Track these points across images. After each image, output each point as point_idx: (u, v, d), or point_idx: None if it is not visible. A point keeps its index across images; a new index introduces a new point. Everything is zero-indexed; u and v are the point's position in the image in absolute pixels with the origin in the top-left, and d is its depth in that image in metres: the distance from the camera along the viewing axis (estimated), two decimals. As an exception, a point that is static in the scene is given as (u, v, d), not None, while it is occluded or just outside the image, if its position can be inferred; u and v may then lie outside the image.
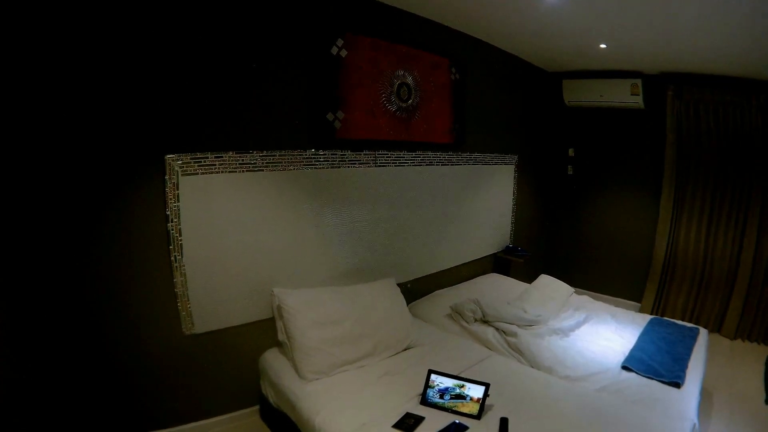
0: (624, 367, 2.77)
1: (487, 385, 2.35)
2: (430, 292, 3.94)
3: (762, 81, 3.61)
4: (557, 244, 5.35)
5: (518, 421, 2.29)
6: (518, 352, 3.05)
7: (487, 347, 3.16)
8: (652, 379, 2.62)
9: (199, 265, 2.45)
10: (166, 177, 2.24)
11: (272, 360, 2.84)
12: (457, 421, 2.32)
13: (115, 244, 2.20)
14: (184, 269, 2.39)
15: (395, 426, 2.25)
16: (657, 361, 2.76)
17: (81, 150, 2.09)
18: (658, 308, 4.30)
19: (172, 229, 2.31)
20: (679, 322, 3.42)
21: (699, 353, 2.90)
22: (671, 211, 4.33)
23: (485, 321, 3.36)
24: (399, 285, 3.35)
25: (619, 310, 3.65)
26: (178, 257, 2.37)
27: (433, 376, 2.47)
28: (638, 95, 4.39)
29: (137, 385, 2.41)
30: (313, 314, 2.73)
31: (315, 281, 3.03)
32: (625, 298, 4.56)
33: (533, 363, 2.92)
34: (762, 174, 3.74)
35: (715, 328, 4.04)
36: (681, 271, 4.28)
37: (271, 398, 2.76)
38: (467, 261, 4.39)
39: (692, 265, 4.21)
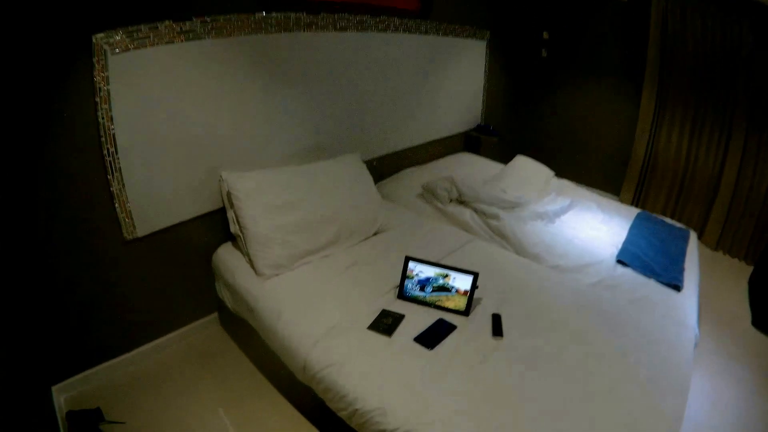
0: (619, 261, 2.47)
1: (475, 275, 1.94)
2: (398, 172, 3.41)
3: (757, 2, 3.08)
4: (530, 129, 4.89)
5: (510, 317, 1.95)
6: (502, 236, 2.67)
7: (466, 231, 2.75)
8: (650, 278, 2.35)
9: (136, 157, 1.96)
10: (94, 59, 1.73)
11: (226, 257, 2.31)
12: (441, 318, 1.91)
13: (42, 144, 1.72)
14: (119, 163, 1.90)
15: (371, 327, 1.83)
16: (652, 259, 2.50)
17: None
18: (636, 206, 4.06)
19: (102, 117, 1.80)
20: (668, 219, 3.15)
21: (692, 257, 2.67)
22: (652, 112, 3.95)
23: (461, 202, 2.93)
24: (364, 163, 2.80)
25: (604, 200, 3.34)
26: (110, 150, 1.86)
27: (411, 264, 2.01)
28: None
29: (77, 310, 2.02)
30: (268, 198, 2.19)
31: (270, 162, 2.46)
32: (602, 191, 4.28)
33: (519, 249, 2.57)
34: (748, 92, 3.34)
35: (696, 236, 3.87)
36: (661, 172, 4.00)
37: (228, 302, 2.28)
38: (436, 138, 3.88)
39: (673, 168, 3.92)
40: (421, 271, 2.02)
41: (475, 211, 2.86)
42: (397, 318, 1.88)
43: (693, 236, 2.90)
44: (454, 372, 1.66)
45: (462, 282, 1.97)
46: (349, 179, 2.55)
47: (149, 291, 2.22)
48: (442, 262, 2.20)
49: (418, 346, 1.76)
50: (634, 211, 3.15)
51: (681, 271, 2.44)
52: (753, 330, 2.79)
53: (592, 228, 2.84)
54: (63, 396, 2.02)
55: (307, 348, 1.76)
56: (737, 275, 3.37)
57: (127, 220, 2.00)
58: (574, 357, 1.77)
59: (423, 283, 2.01)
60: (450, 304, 1.98)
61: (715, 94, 3.54)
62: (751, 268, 3.33)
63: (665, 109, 3.87)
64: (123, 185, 1.93)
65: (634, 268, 2.41)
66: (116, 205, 1.95)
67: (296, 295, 2.01)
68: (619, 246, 2.63)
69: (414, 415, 1.49)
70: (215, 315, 2.55)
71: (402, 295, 2.04)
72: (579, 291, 2.20)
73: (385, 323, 1.84)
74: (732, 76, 3.41)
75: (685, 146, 3.81)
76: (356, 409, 1.56)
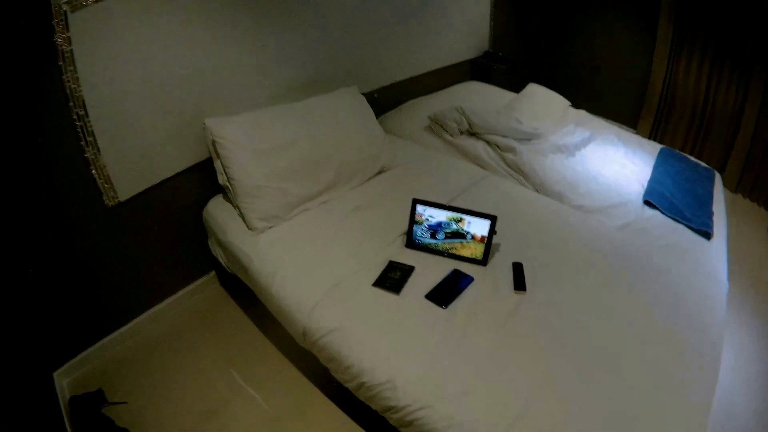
0: (646, 203, 2.23)
1: (493, 219, 1.69)
2: (401, 104, 3.06)
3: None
4: (542, 58, 4.45)
5: (533, 266, 1.73)
6: (519, 172, 2.40)
7: (480, 165, 2.47)
8: (679, 222, 2.12)
9: (109, 117, 1.69)
10: (54, 21, 1.45)
11: (216, 212, 2.02)
12: (457, 269, 1.67)
13: (9, 119, 1.46)
14: (91, 127, 1.64)
15: (377, 284, 1.60)
16: (680, 201, 2.25)
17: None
18: (654, 140, 3.74)
19: (69, 81, 1.54)
20: (692, 158, 2.86)
21: (719, 201, 2.42)
22: (669, 42, 3.54)
23: (473, 133, 2.62)
24: (364, 96, 2.44)
25: (624, 132, 3.03)
26: (80, 113, 1.59)
27: (419, 208, 1.75)
28: None
29: (67, 288, 1.80)
30: (256, 143, 1.88)
31: (258, 103, 2.11)
32: (618, 122, 3.94)
33: (539, 186, 2.31)
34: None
35: (720, 178, 3.58)
36: (680, 106, 3.65)
37: (223, 261, 2.03)
38: (441, 67, 3.48)
39: (692, 103, 3.56)
40: (431, 215, 1.76)
41: (488, 143, 2.56)
42: (406, 271, 1.65)
43: (718, 178, 2.63)
44: (472, 335, 1.45)
45: (478, 227, 1.71)
46: (348, 114, 2.21)
47: (140, 257, 1.99)
48: (455, 203, 1.95)
49: (430, 305, 1.54)
50: (657, 146, 2.85)
51: (710, 216, 2.21)
52: None
53: (615, 163, 2.56)
54: (65, 380, 1.87)
55: (306, 312, 1.54)
56: (758, 221, 3.15)
57: (106, 185, 1.74)
58: (603, 312, 1.57)
59: (434, 229, 1.76)
60: (465, 252, 1.74)
61: (735, 28, 3.13)
62: None
63: (684, 41, 3.46)
64: (98, 150, 1.67)
65: (663, 210, 2.17)
66: (93, 171, 1.69)
67: (293, 250, 1.76)
68: (645, 184, 2.37)
69: (428, 390, 1.29)
70: (213, 274, 2.33)
71: (411, 243, 1.79)
72: (606, 235, 1.96)
73: (393, 278, 1.60)
74: (754, 9, 2.98)
75: (704, 81, 3.44)
76: (363, 383, 1.36)
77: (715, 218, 2.20)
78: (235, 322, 2.13)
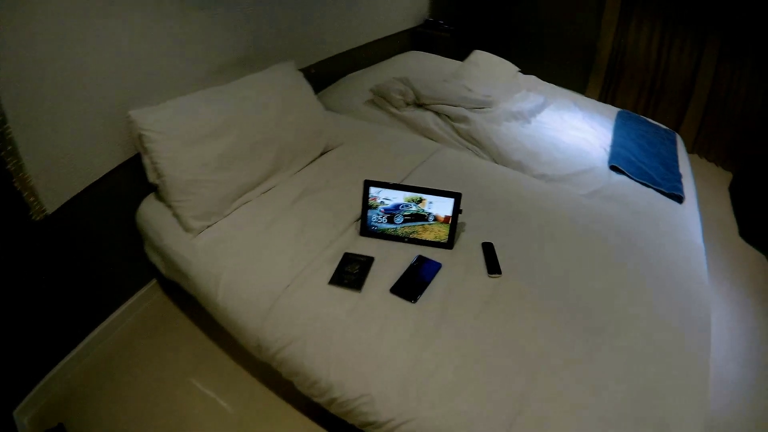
0: (612, 167, 2.11)
1: (457, 197, 1.48)
2: (340, 78, 2.80)
3: None
4: (484, 24, 4.29)
5: (504, 245, 1.55)
6: (474, 142, 2.22)
7: (430, 138, 2.27)
8: (649, 186, 2.03)
9: (29, 116, 1.33)
10: None
11: (149, 214, 1.70)
12: (421, 255, 1.46)
13: None
14: (11, 133, 1.29)
15: (334, 282, 1.36)
16: (647, 165, 2.16)
17: None
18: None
19: None
20: (651, 120, 2.78)
21: (685, 163, 2.35)
22: (619, 7, 3.48)
23: (419, 105, 2.41)
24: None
25: (578, 96, 2.92)
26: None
27: (373, 191, 1.52)
28: None
29: (8, 320, 1.46)
30: (186, 131, 1.58)
31: (188, 88, 1.77)
32: (567, 88, 3.84)
33: (498, 157, 2.13)
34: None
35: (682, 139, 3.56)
36: (630, 70, 3.59)
37: (161, 268, 1.72)
38: (380, 38, 3.24)
39: (643, 67, 3.51)
40: (387, 197, 1.53)
41: (438, 114, 2.36)
42: (365, 263, 1.41)
43: (679, 140, 2.57)
44: (448, 329, 1.25)
45: (441, 206, 1.50)
46: (284, 91, 1.92)
47: (77, 272, 1.65)
48: (409, 181, 1.76)
49: (397, 300, 1.32)
50: (614, 110, 2.76)
51: (679, 179, 2.13)
52: (741, 240, 2.58)
53: (574, 128, 2.44)
54: (26, 418, 1.56)
55: (258, 322, 1.30)
56: (716, 180, 3.15)
57: (31, 199, 1.39)
58: (584, 287, 1.42)
59: (391, 213, 1.53)
60: (429, 236, 1.53)
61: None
62: (728, 174, 3.12)
63: (634, 3, 3.39)
64: (20, 159, 1.32)
65: (631, 174, 2.06)
66: (16, 184, 1.34)
67: (235, 250, 1.49)
68: (608, 149, 2.26)
69: (410, 397, 1.10)
70: (155, 282, 2.00)
71: (366, 230, 1.56)
72: (576, 205, 1.82)
73: (351, 273, 1.37)
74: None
75: (655, 45, 3.40)
76: (334, 398, 1.15)
77: (683, 181, 2.12)
78: (184, 329, 1.85)
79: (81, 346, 1.72)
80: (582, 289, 1.41)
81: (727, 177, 3.15)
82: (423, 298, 1.32)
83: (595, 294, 1.40)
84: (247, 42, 2.08)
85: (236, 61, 2.04)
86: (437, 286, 1.37)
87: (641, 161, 2.16)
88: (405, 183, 1.78)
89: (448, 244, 1.52)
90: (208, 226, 1.59)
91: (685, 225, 1.88)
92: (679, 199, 2.00)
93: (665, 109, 3.48)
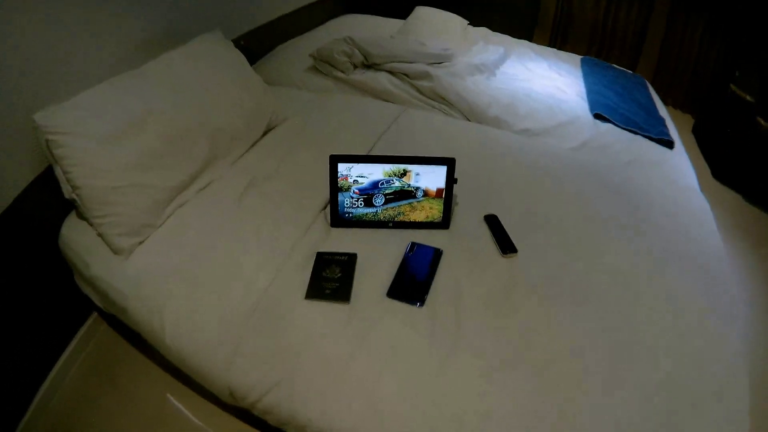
0: (597, 116, 1.91)
1: (450, 163, 1.19)
2: (273, 49, 2.39)
3: None
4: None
5: (506, 215, 1.29)
6: (441, 100, 1.93)
7: (388, 101, 1.96)
8: (636, 133, 1.83)
9: None
10: None
11: (71, 237, 1.28)
12: (414, 242, 1.16)
13: None
14: None
15: (312, 296, 1.04)
16: (629, 111, 1.97)
17: None
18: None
19: None
20: (616, 66, 2.59)
21: (660, 106, 2.19)
22: None
23: (369, 66, 2.08)
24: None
25: (537, 46, 2.68)
26: None
27: (342, 168, 1.19)
28: None
29: None
30: (97, 129, 1.18)
31: (101, 76, 1.31)
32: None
33: (470, 114, 1.86)
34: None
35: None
36: (578, 22, 3.38)
37: (97, 301, 1.30)
38: (311, 2, 2.82)
39: (592, 19, 3.31)
40: (360, 174, 1.20)
41: (393, 74, 2.03)
42: (347, 262, 1.09)
43: (649, 84, 2.41)
44: (470, 330, 0.97)
45: (430, 177, 1.20)
46: (213, 65, 1.50)
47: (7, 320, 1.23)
48: (376, 152, 1.44)
49: (398, 305, 1.01)
50: (576, 57, 2.55)
51: (663, 123, 1.96)
52: (716, 183, 2.49)
53: (542, 78, 2.20)
54: None
55: (222, 366, 0.96)
56: (678, 124, 3.05)
57: None
58: (607, 254, 1.20)
59: (369, 193, 1.21)
60: (418, 216, 1.23)
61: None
62: (688, 117, 3.04)
63: None
64: None
65: (617, 123, 1.87)
66: None
67: (177, 271, 1.12)
68: (584, 97, 2.05)
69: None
70: (96, 315, 1.57)
71: (338, 219, 1.23)
72: (571, 161, 1.58)
73: (331, 278, 1.04)
74: None
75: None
76: None
77: (667, 125, 1.96)
78: (142, 367, 1.44)
79: (37, 398, 1.32)
80: (605, 256, 1.18)
81: (687, 120, 3.07)
82: (431, 298, 1.02)
83: (619, 257, 1.18)
84: (165, 14, 1.64)
85: (155, 38, 1.60)
86: (443, 278, 1.08)
87: (621, 107, 1.98)
88: (372, 155, 1.45)
89: (444, 223, 1.23)
90: (141, 243, 1.20)
91: (682, 171, 1.71)
92: (670, 144, 1.83)
93: (618, 58, 3.33)
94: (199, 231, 1.21)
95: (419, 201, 1.22)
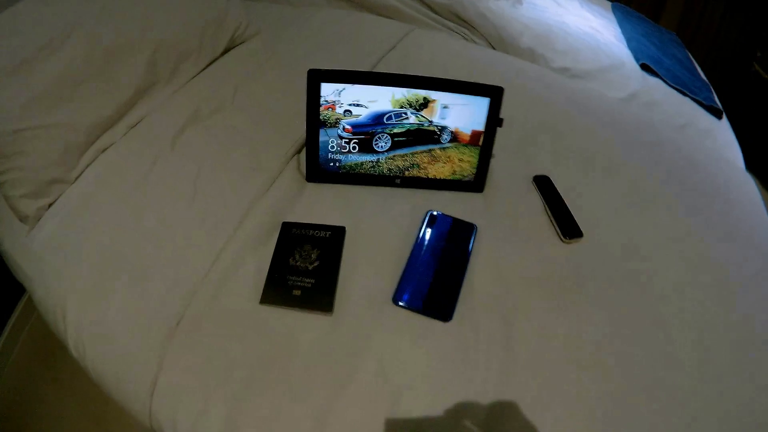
0: (644, 67, 1.53)
1: (495, 93, 0.78)
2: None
3: None
4: None
5: (558, 181, 0.86)
6: (460, 21, 1.50)
7: (391, 18, 1.50)
8: (686, 95, 1.49)
9: None
10: None
11: None
12: (435, 215, 0.75)
13: None
14: None
15: (268, 298, 0.63)
16: (675, 69, 1.62)
17: None
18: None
19: None
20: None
21: (700, 70, 1.82)
22: None
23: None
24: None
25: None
26: None
27: (327, 90, 0.76)
28: None
29: None
30: (4, 55, 0.77)
31: None
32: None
33: (498, 42, 1.47)
34: None
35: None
36: None
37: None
38: None
39: None
40: (355, 102, 0.77)
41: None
42: (329, 241, 0.68)
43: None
44: (525, 358, 0.61)
45: (464, 113, 0.79)
46: None
47: None
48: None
49: (413, 318, 0.62)
50: (606, 2, 2.13)
51: (709, 88, 1.63)
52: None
53: (576, 16, 1.79)
54: None
55: (142, 392, 0.63)
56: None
57: None
58: (677, 245, 0.83)
59: (368, 131, 0.79)
60: (441, 171, 0.82)
61: None
62: None
63: None
64: None
65: (665, 78, 1.51)
66: None
67: (84, 250, 0.74)
68: (624, 43, 1.66)
69: None
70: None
71: (317, 171, 0.80)
72: (626, 116, 1.20)
73: (303, 271, 0.64)
74: None
75: None
76: None
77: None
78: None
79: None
80: (674, 246, 0.81)
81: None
82: (461, 312, 0.63)
83: (684, 253, 0.81)
84: None
85: None
86: (478, 273, 0.69)
87: (666, 63, 1.64)
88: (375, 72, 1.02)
89: (477, 184, 0.83)
90: (50, 205, 0.81)
91: (731, 147, 1.40)
92: (719, 113, 1.50)
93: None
94: (119, 189, 0.80)
95: (444, 148, 0.80)
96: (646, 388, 0.60)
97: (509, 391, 0.57)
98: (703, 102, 1.47)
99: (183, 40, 1.02)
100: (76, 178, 0.84)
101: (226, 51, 1.14)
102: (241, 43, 1.18)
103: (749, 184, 1.10)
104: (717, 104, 1.50)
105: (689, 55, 1.91)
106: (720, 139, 1.41)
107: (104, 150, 0.88)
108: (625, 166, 0.99)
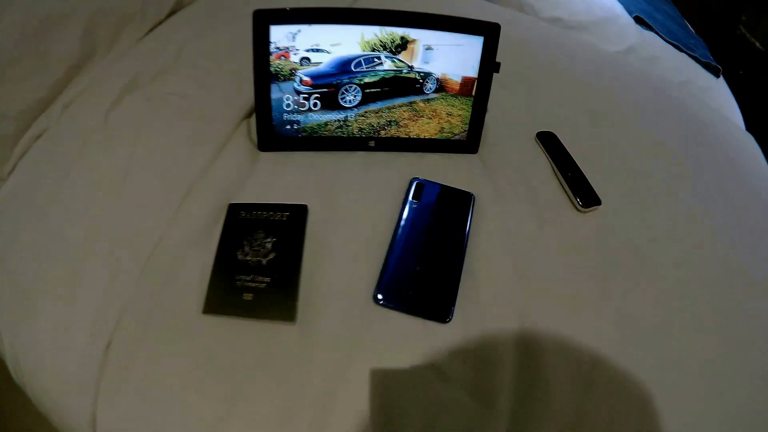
0: (638, 20, 1.41)
1: (491, 31, 0.62)
2: None
3: None
4: None
5: (570, 139, 0.71)
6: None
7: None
8: (682, 51, 1.39)
9: None
10: None
11: None
12: (422, 182, 0.59)
13: None
14: None
15: (213, 305, 0.47)
16: (668, 23, 1.52)
17: None
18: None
19: None
20: None
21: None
22: None
23: None
24: None
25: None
26: None
27: (277, 34, 0.59)
28: None
29: None
30: None
31: None
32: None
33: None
34: None
35: None
36: None
37: None
38: None
39: None
40: (315, 46, 0.60)
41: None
42: (287, 225, 0.52)
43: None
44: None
45: (451, 56, 0.63)
46: None
47: None
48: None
49: (403, 321, 0.47)
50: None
51: (704, 45, 1.54)
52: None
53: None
54: None
55: (86, 423, 0.47)
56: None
57: None
58: (687, 211, 0.71)
59: (329, 83, 0.62)
60: (426, 129, 0.66)
61: None
62: None
63: None
64: None
65: (660, 33, 1.41)
66: None
67: (12, 254, 0.58)
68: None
69: None
70: None
71: (272, 136, 0.63)
72: (625, 70, 1.07)
73: (256, 266, 0.48)
74: None
75: None
76: None
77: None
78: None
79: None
80: (683, 215, 0.69)
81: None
82: (462, 303, 0.48)
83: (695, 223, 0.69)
84: None
85: None
86: (479, 259, 0.54)
87: (659, 18, 1.54)
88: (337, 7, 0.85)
89: (470, 143, 0.67)
90: None
91: (730, 106, 1.33)
92: (716, 71, 1.41)
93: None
94: (47, 182, 0.64)
95: (429, 100, 0.64)
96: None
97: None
98: (700, 58, 1.37)
99: (123, 2, 0.83)
100: (10, 173, 0.68)
101: (172, 13, 0.95)
102: (189, 4, 0.99)
103: (745, 140, 1.01)
104: (714, 62, 1.40)
105: (679, 12, 1.80)
106: (720, 97, 1.32)
107: (38, 137, 0.71)
108: (631, 119, 0.85)
